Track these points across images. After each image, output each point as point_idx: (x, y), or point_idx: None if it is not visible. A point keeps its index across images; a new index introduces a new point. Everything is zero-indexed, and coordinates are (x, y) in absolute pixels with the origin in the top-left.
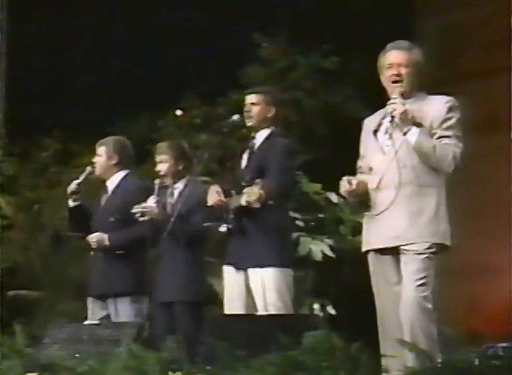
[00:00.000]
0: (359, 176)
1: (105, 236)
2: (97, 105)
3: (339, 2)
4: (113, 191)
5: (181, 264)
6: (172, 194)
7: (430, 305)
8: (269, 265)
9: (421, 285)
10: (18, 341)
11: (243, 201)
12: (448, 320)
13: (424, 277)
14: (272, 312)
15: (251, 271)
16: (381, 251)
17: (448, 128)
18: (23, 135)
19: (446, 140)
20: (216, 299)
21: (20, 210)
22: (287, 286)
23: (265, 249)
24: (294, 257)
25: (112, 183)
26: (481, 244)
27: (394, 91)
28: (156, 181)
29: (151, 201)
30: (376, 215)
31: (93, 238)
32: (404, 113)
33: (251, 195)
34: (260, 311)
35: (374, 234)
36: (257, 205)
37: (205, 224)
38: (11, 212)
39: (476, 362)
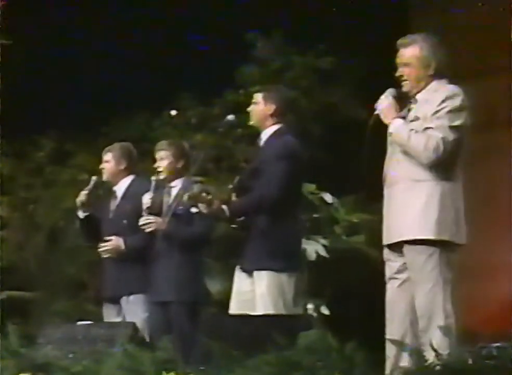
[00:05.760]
0: None
1: (121, 241)
2: (93, 105)
3: (335, 1)
4: (124, 196)
5: (176, 264)
6: (169, 193)
7: (440, 301)
8: (263, 269)
9: (427, 280)
10: (12, 341)
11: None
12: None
13: (431, 273)
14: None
15: (250, 273)
16: (390, 246)
17: (436, 118)
18: (19, 135)
19: (428, 131)
20: (211, 299)
21: (15, 210)
22: (280, 290)
23: (262, 252)
24: (295, 261)
25: (120, 188)
26: (480, 243)
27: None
28: (153, 177)
29: (146, 198)
30: (385, 211)
31: (109, 244)
32: (387, 108)
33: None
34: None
35: (384, 229)
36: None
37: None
38: (5, 211)
39: (470, 362)
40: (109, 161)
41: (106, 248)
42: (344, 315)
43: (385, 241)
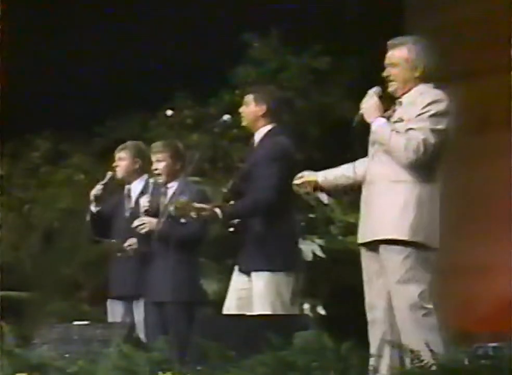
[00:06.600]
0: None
1: None
2: (88, 105)
3: (331, 1)
4: (140, 196)
5: (172, 264)
6: (165, 193)
7: (416, 302)
8: (261, 270)
9: (403, 283)
10: (8, 342)
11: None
12: (441, 319)
13: (406, 275)
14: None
15: (247, 273)
16: (366, 247)
17: (419, 120)
18: (14, 135)
19: (410, 132)
20: (207, 300)
21: (10, 210)
22: (277, 290)
23: (259, 254)
24: (293, 260)
25: (136, 187)
26: (478, 243)
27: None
28: (151, 180)
29: (145, 200)
30: (362, 210)
31: (132, 244)
32: (370, 107)
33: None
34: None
35: (360, 228)
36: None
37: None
38: (1, 212)
39: (466, 362)
40: (124, 159)
41: (128, 247)
42: (340, 316)
43: (360, 240)
